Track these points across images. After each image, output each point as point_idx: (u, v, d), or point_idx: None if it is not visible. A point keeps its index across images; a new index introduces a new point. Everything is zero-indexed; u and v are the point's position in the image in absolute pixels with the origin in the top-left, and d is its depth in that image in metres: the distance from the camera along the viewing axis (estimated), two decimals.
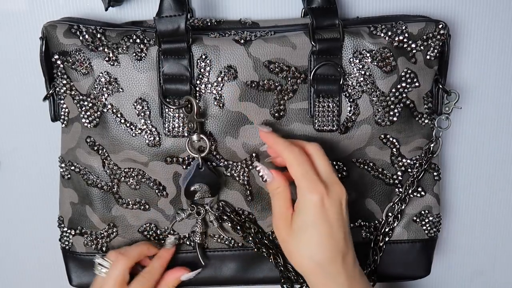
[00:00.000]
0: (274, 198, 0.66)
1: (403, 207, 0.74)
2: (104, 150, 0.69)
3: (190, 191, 0.69)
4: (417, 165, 0.72)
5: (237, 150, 0.69)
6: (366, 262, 0.75)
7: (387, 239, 0.75)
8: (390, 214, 0.74)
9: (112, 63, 0.67)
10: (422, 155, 0.72)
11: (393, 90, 0.68)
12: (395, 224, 0.75)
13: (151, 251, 0.73)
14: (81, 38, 0.66)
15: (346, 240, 0.64)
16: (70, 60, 0.66)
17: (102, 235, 0.74)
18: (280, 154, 0.65)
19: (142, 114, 0.67)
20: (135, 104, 0.67)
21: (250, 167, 0.70)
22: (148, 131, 0.68)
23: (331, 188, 0.63)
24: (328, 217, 0.62)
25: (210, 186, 0.69)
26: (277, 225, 0.65)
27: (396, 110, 0.69)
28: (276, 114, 0.68)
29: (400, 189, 0.74)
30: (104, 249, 0.74)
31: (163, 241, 0.74)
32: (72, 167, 0.71)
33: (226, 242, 0.74)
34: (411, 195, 0.74)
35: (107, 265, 0.70)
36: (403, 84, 0.68)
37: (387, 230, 0.75)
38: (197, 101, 0.66)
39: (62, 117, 0.70)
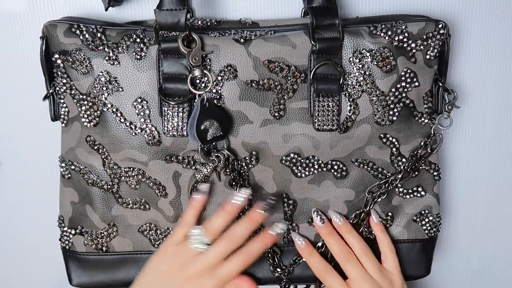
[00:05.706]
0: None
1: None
2: (104, 149, 0.69)
3: (202, 131, 0.66)
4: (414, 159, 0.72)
5: (237, 149, 0.69)
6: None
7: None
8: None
9: (112, 62, 0.67)
10: (419, 151, 0.72)
11: (393, 89, 0.68)
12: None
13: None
14: (81, 37, 0.66)
15: None
16: (70, 59, 0.67)
17: (102, 234, 0.73)
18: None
19: (142, 113, 0.67)
20: (135, 103, 0.67)
21: (250, 165, 0.70)
22: (148, 130, 0.68)
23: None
24: None
25: (220, 122, 0.66)
26: None
27: (395, 110, 0.69)
28: (276, 114, 0.68)
29: (400, 189, 0.74)
30: (104, 248, 0.74)
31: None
32: (73, 167, 0.71)
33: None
34: (411, 195, 0.74)
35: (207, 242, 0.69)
36: (403, 84, 0.68)
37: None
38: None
39: (62, 116, 0.70)
